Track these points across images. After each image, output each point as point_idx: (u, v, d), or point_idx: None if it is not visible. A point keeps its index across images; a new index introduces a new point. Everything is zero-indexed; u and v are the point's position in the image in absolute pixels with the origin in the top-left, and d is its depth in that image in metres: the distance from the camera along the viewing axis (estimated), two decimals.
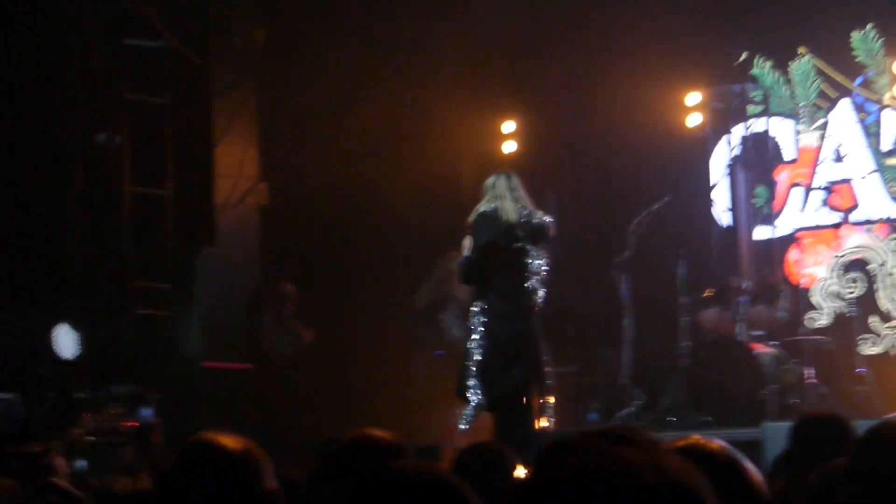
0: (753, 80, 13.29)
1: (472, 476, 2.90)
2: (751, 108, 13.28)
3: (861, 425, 3.33)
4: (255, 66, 13.16)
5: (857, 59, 12.74)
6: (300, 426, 11.38)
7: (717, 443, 2.38)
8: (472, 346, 9.33)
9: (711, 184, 13.46)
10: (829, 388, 11.15)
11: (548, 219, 9.62)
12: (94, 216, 12.01)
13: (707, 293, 11.70)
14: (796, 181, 13.16)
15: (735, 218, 13.19)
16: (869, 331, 12.31)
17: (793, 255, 12.17)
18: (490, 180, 9.61)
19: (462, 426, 9.28)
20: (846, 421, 4.73)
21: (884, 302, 12.47)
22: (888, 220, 12.51)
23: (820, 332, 12.22)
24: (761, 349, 11.21)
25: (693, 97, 13.19)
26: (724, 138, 13.37)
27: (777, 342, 11.52)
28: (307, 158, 13.13)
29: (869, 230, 12.70)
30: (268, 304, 12.76)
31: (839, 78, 12.87)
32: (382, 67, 13.34)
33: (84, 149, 12.05)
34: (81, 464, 6.38)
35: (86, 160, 12.02)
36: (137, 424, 9.36)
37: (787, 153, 13.24)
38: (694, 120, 13.30)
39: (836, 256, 12.24)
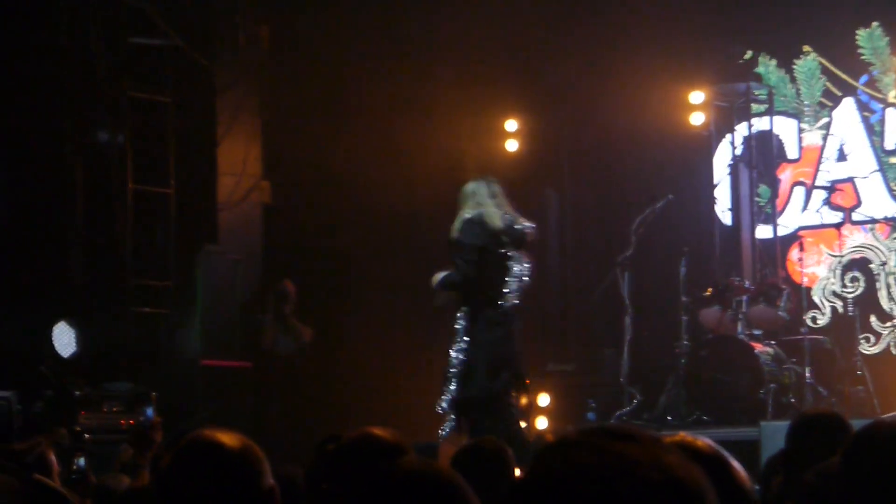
0: (758, 78, 13.28)
1: (471, 474, 2.88)
2: (755, 107, 13.26)
3: (859, 425, 3.33)
4: (258, 65, 13.17)
5: (862, 57, 12.73)
6: (299, 424, 11.38)
7: (703, 440, 2.37)
8: (456, 350, 9.37)
9: (714, 182, 13.45)
10: (827, 388, 11.16)
11: (528, 224, 9.66)
12: (96, 214, 12.00)
13: (708, 292, 11.69)
14: (799, 180, 13.15)
15: (737, 217, 13.18)
16: (869, 330, 12.30)
17: (794, 254, 12.16)
18: (470, 186, 9.65)
19: (441, 433, 9.36)
20: (844, 420, 4.73)
21: (885, 301, 12.46)
22: (890, 220, 12.49)
23: (820, 331, 12.22)
24: (761, 348, 11.20)
25: (697, 95, 13.17)
26: (728, 137, 13.36)
27: (776, 341, 11.52)
28: (310, 157, 13.13)
29: (871, 229, 12.69)
30: (268, 302, 12.76)
31: (844, 76, 12.86)
32: (385, 66, 13.34)
33: (86, 146, 12.04)
34: (80, 462, 6.36)
35: (88, 158, 12.01)
36: (136, 422, 9.36)
37: (791, 152, 13.23)
38: (697, 118, 13.28)
39: (838, 256, 12.23)
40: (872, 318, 12.37)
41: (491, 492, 3.30)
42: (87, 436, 7.01)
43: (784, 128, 13.25)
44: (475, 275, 9.38)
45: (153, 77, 12.51)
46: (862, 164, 12.75)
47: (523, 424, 9.68)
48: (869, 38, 12.71)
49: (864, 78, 12.79)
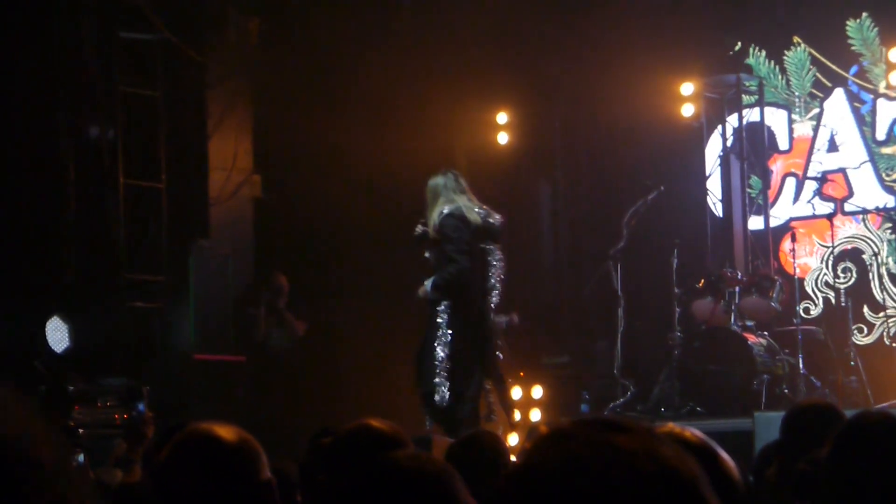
0: (748, 69, 13.29)
1: (465, 466, 2.89)
2: (745, 98, 13.27)
3: (852, 415, 3.43)
4: (249, 59, 13.14)
5: (852, 48, 12.74)
6: (293, 418, 11.37)
7: (692, 431, 2.38)
8: (438, 344, 9.32)
9: (706, 174, 13.46)
10: (820, 378, 11.17)
11: (499, 217, 9.62)
12: (88, 209, 11.97)
13: (700, 284, 11.70)
14: (790, 171, 13.16)
15: (729, 208, 13.18)
16: (861, 321, 12.32)
17: (786, 245, 12.17)
18: (438, 180, 9.57)
19: (427, 424, 9.35)
20: (838, 410, 4.77)
21: (877, 292, 12.48)
22: (882, 210, 12.51)
23: (813, 322, 12.23)
24: (754, 339, 11.21)
25: (687, 87, 13.17)
26: (719, 128, 13.36)
27: (769, 332, 11.53)
28: (301, 151, 13.11)
29: (862, 220, 12.71)
30: (261, 296, 12.75)
31: (834, 67, 12.87)
32: (376, 59, 13.32)
33: (77, 141, 12.01)
34: (80, 459, 6.36)
35: (79, 153, 11.98)
36: (129, 417, 9.35)
37: (782, 143, 13.24)
38: (688, 110, 13.28)
39: (829, 246, 12.25)
40: (865, 309, 12.39)
41: (485, 484, 3.30)
42: (80, 431, 7.01)
43: (775, 119, 13.26)
44: (469, 265, 9.36)
45: (144, 72, 12.49)
46: (853, 154, 12.76)
47: (505, 420, 9.70)
48: (858, 29, 12.72)
49: (854, 69, 12.80)
